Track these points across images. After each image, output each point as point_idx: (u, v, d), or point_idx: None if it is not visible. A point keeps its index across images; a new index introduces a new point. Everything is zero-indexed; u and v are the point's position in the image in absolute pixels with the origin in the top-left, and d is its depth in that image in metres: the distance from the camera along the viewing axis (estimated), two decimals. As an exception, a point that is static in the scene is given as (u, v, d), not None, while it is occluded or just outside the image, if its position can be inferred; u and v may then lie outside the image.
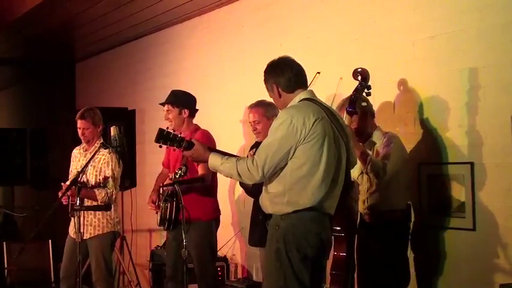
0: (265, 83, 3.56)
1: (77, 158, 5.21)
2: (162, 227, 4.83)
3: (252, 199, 4.73)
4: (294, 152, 3.31)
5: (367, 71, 3.98)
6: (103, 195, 4.91)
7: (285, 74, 3.46)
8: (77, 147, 5.28)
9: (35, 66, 9.57)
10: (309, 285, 3.37)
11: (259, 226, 4.55)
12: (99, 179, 4.97)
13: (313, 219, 3.36)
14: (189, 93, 4.97)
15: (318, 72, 4.48)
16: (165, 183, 4.76)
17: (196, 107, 4.94)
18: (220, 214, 4.98)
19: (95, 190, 4.93)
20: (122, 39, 7.75)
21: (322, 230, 3.41)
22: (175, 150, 3.94)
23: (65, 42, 8.14)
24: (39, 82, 10.23)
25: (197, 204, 4.62)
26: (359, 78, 4.01)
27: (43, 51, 8.60)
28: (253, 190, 4.25)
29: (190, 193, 4.53)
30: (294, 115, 3.32)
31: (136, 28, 7.16)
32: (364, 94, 4.02)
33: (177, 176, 4.42)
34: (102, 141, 5.11)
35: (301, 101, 3.45)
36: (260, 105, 4.65)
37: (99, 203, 4.86)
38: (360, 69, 4.00)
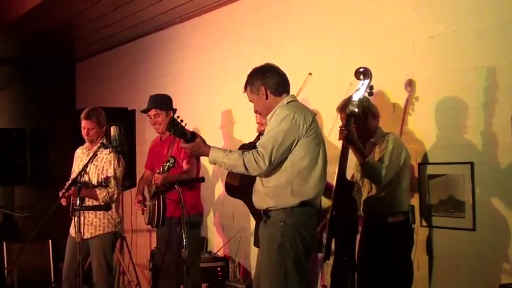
0: (249, 85, 3.66)
1: (80, 157, 5.19)
2: (150, 226, 4.98)
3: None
4: (295, 146, 3.45)
5: (370, 71, 3.94)
6: (104, 194, 4.90)
7: (275, 77, 3.62)
8: (80, 147, 5.27)
9: (35, 66, 9.56)
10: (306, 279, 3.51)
11: None
12: (101, 178, 4.96)
13: (311, 214, 3.53)
14: (167, 95, 5.20)
15: (310, 73, 4.51)
16: (155, 175, 4.87)
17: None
18: (203, 209, 5.18)
19: (96, 190, 4.91)
20: (122, 39, 7.74)
21: (316, 224, 3.61)
22: (177, 140, 4.08)
23: (65, 42, 8.14)
24: (39, 82, 10.22)
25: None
26: (361, 77, 3.97)
27: (43, 51, 8.59)
28: (240, 189, 4.29)
29: (174, 189, 4.54)
30: (295, 111, 3.47)
31: (136, 28, 7.15)
32: (366, 94, 4.00)
33: (165, 169, 4.56)
34: (102, 141, 5.09)
35: (288, 102, 3.60)
36: None
37: (100, 203, 4.86)
38: (362, 69, 3.97)
